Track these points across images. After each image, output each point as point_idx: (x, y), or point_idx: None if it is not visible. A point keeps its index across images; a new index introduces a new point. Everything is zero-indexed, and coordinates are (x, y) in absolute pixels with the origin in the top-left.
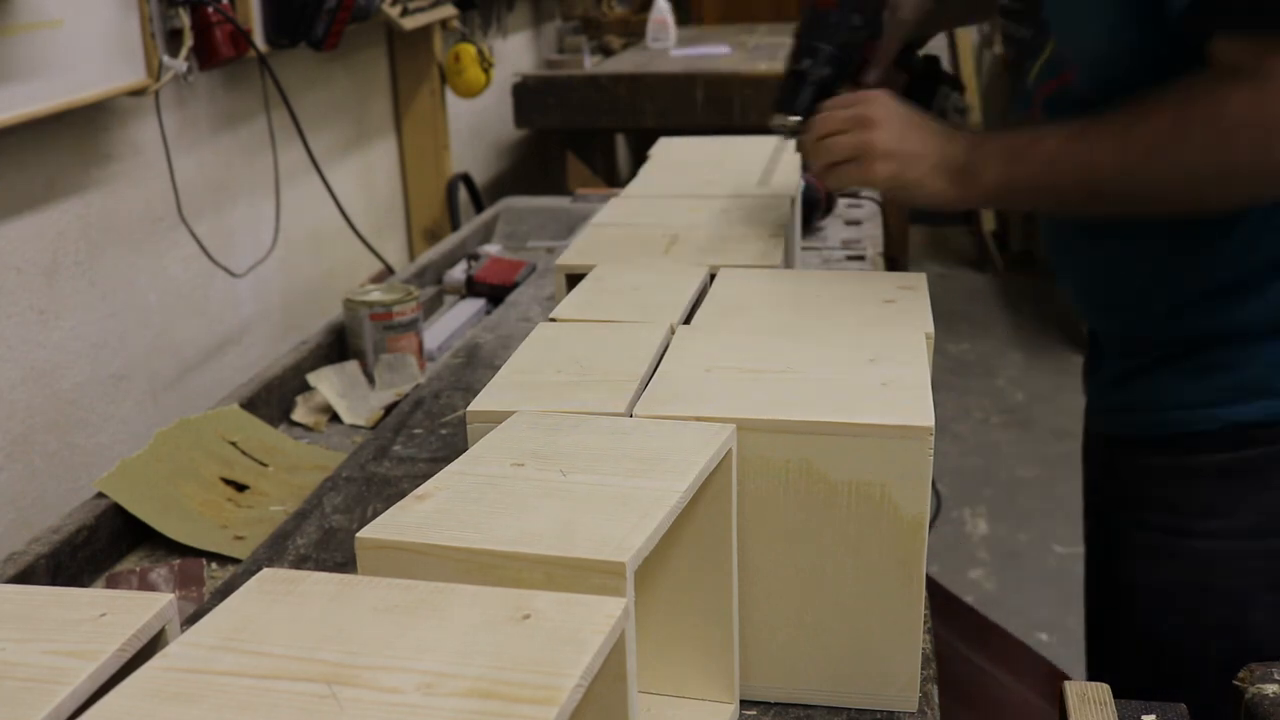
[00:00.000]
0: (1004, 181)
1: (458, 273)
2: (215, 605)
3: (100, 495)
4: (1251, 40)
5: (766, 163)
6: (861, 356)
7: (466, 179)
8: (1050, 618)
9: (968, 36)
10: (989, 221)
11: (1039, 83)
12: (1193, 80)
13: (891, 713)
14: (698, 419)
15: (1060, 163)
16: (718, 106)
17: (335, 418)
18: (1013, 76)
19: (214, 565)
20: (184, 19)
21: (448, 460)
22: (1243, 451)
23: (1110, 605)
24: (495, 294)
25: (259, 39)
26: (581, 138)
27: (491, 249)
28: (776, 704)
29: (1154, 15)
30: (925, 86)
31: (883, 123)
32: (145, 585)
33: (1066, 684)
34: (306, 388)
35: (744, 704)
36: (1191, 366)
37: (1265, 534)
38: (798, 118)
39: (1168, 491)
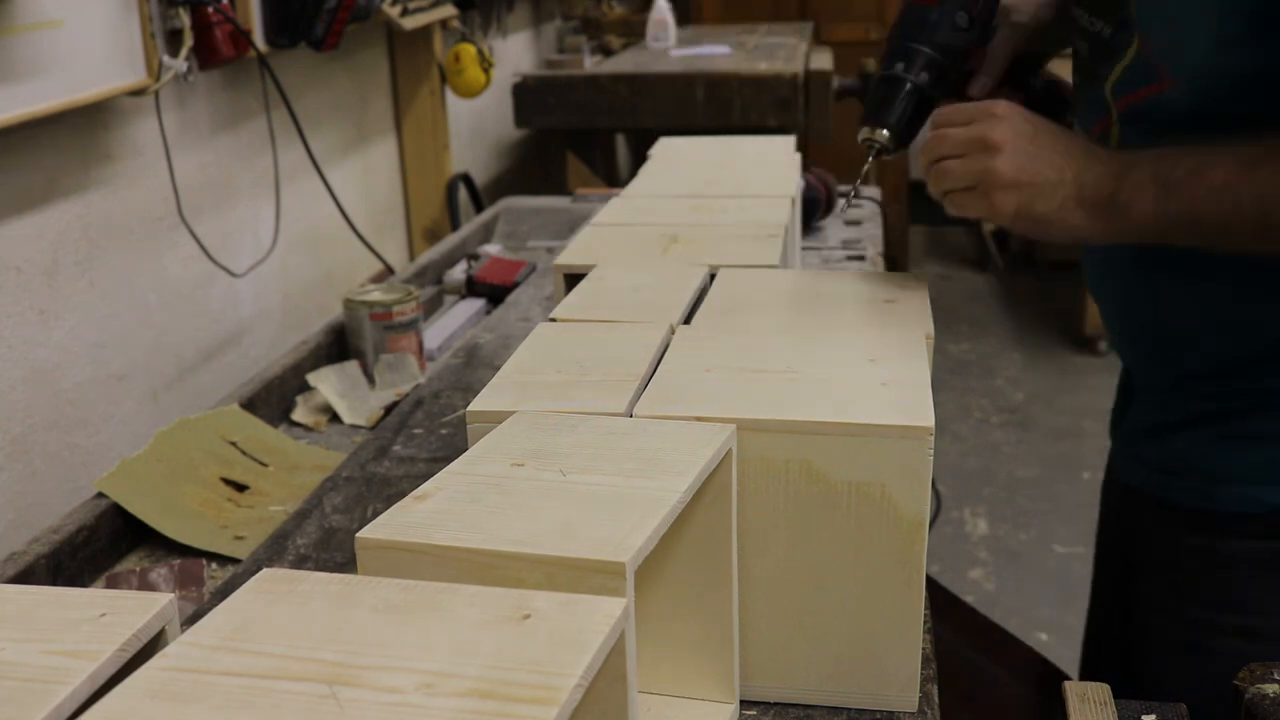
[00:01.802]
0: (1161, 215)
1: (458, 273)
2: (215, 605)
3: (100, 495)
4: None
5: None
6: (861, 356)
7: (466, 179)
8: (1050, 617)
9: None
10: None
11: (1121, 92)
12: None
13: (891, 713)
14: (698, 419)
15: (1234, 194)
16: (718, 106)
17: (335, 418)
18: (1080, 77)
19: (214, 565)
20: (184, 19)
21: (448, 460)
22: None
23: (1115, 663)
24: (495, 294)
25: (259, 39)
26: (581, 138)
27: (491, 249)
28: (776, 704)
29: (1277, 30)
30: (1045, 114)
31: (1007, 145)
32: (145, 585)
33: (1066, 684)
34: (306, 388)
35: (744, 704)
36: (1233, 433)
37: None
38: (886, 132)
39: (1197, 576)
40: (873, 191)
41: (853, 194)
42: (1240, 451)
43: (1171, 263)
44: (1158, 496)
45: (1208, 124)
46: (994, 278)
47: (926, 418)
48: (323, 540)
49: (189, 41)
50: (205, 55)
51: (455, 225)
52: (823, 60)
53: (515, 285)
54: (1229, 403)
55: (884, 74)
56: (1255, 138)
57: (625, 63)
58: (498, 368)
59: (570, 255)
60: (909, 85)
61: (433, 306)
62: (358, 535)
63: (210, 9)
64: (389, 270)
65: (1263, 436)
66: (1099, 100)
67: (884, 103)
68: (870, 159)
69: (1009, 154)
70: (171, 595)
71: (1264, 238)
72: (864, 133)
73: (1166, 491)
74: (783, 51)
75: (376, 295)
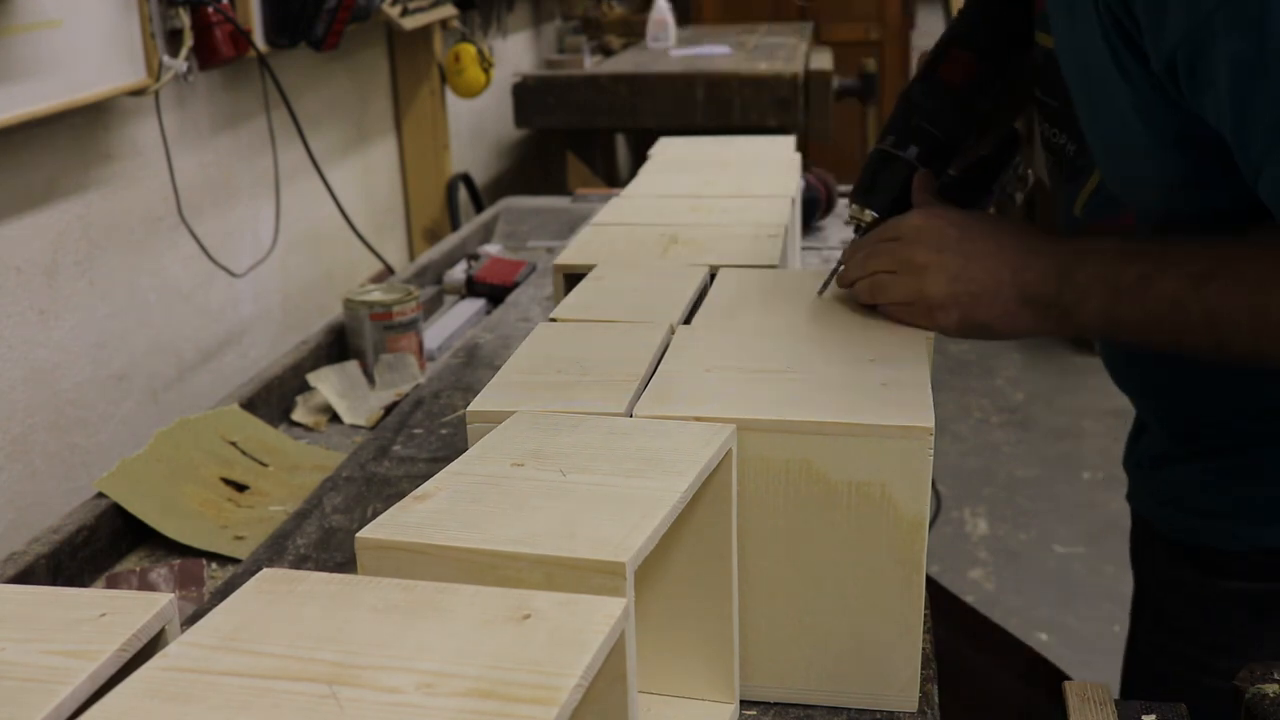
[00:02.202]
0: (1109, 319)
1: (458, 273)
2: (215, 605)
3: (100, 495)
4: None
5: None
6: (861, 356)
7: (466, 179)
8: (1050, 617)
9: None
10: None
11: (1091, 217)
12: None
13: (891, 713)
14: (698, 419)
15: (1184, 310)
16: (718, 106)
17: (335, 418)
18: (1053, 182)
19: (214, 565)
20: (184, 19)
21: (448, 460)
22: (1277, 584)
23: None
24: (495, 294)
25: (259, 39)
26: (581, 138)
27: (491, 249)
28: (776, 704)
29: (1220, 176)
30: (1001, 158)
31: (933, 264)
32: (145, 585)
33: (1066, 684)
34: (306, 388)
35: (743, 704)
36: (1226, 470)
37: None
38: (873, 213)
39: (1190, 613)
40: None
41: (857, 225)
42: (1232, 489)
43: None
44: (1157, 528)
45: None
46: None
47: (927, 418)
48: (323, 540)
49: (189, 41)
50: (205, 55)
51: (455, 225)
52: (823, 60)
53: (515, 285)
54: (1223, 440)
55: (877, 148)
56: (1208, 240)
57: (625, 63)
58: (498, 368)
59: (570, 255)
60: (900, 163)
61: (433, 306)
62: (357, 535)
63: (210, 9)
64: (389, 270)
65: (1258, 474)
66: (1071, 217)
67: (874, 182)
68: (856, 233)
69: (937, 271)
70: (171, 595)
71: (1217, 352)
72: (853, 210)
73: (1164, 524)
74: (783, 51)
75: (376, 295)
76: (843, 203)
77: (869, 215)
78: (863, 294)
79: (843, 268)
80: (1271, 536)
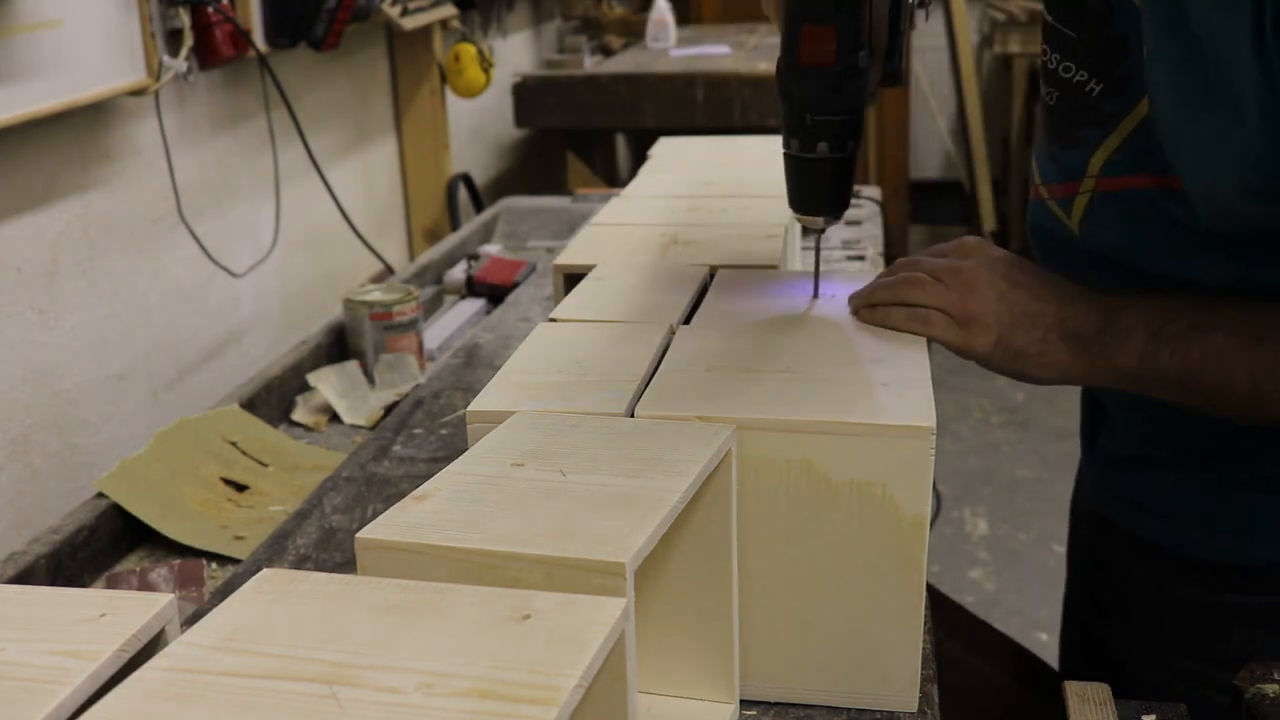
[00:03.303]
0: (1148, 366)
1: (458, 273)
2: (215, 605)
3: (100, 495)
4: None
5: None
6: (862, 357)
7: (466, 179)
8: (1050, 618)
9: (967, 35)
10: (989, 222)
11: (1112, 170)
12: None
13: (892, 713)
14: (698, 419)
15: (1230, 366)
16: (718, 106)
17: (335, 418)
18: (1051, 119)
19: (214, 565)
20: (184, 19)
21: (448, 460)
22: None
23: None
24: (495, 294)
25: (259, 39)
26: (581, 138)
27: (491, 249)
28: (776, 704)
29: None
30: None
31: (980, 282)
32: (145, 585)
33: (1066, 684)
34: (306, 388)
35: (743, 704)
36: (1222, 478)
37: None
38: (821, 220)
39: (1187, 627)
40: (873, 191)
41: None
42: (1229, 497)
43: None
44: (1135, 534)
45: (1211, 241)
46: None
47: (928, 418)
48: (323, 540)
49: (189, 41)
50: (205, 55)
51: (455, 225)
52: None
53: (515, 285)
54: (1217, 445)
55: (787, 154)
56: (1259, 301)
57: (625, 63)
58: (498, 368)
59: (570, 255)
60: (815, 164)
61: (433, 306)
62: (357, 536)
63: (210, 9)
64: (389, 270)
65: (1256, 483)
66: (1074, 164)
67: (803, 189)
68: (816, 236)
69: (986, 289)
70: (171, 595)
71: (1252, 414)
72: (800, 219)
73: (1145, 531)
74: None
75: (376, 295)
76: None
77: (819, 221)
78: (900, 296)
79: (880, 281)
80: (1268, 548)
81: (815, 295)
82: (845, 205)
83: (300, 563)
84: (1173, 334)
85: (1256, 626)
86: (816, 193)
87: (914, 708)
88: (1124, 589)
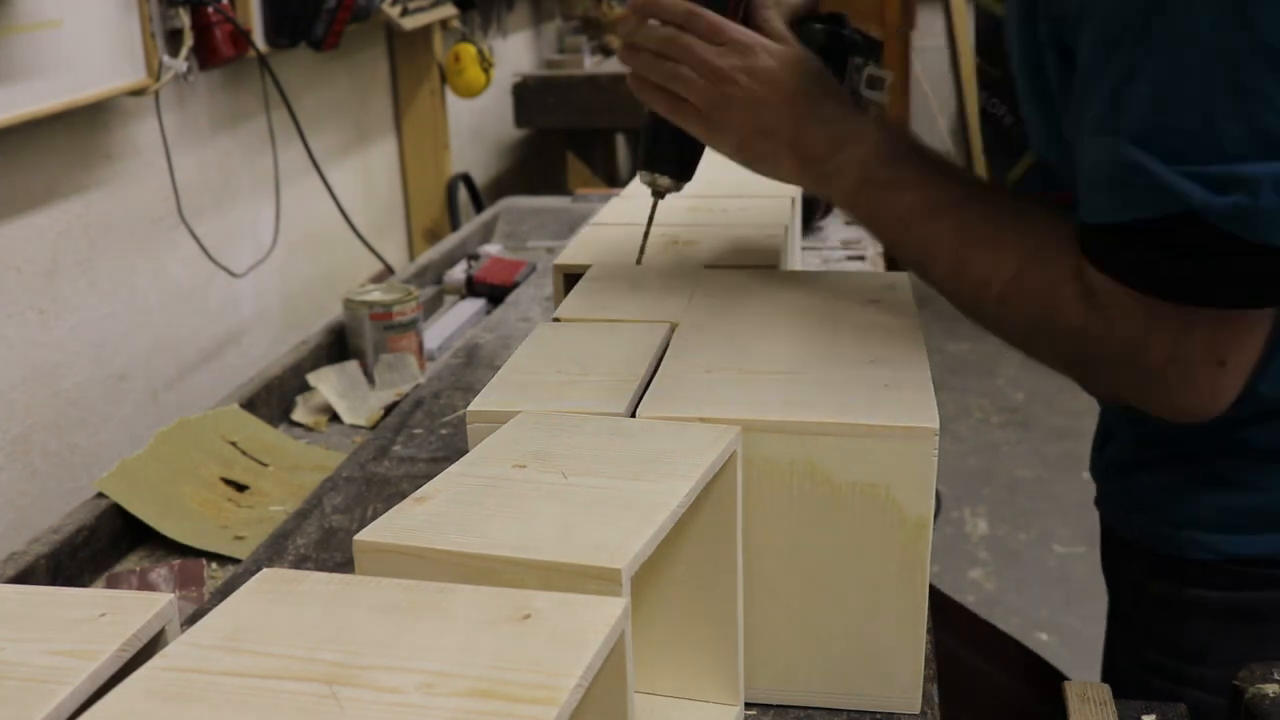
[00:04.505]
0: (849, 202)
1: (458, 273)
2: (215, 605)
3: (100, 495)
4: (1118, 284)
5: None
6: (862, 358)
7: (466, 179)
8: (1050, 617)
9: (967, 35)
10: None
11: (1027, 189)
12: (1062, 257)
13: (893, 714)
14: (702, 420)
15: (905, 229)
16: None
17: (335, 418)
18: (989, 155)
19: (214, 565)
20: (184, 19)
21: (448, 460)
22: (1243, 593)
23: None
24: (495, 294)
25: (259, 39)
26: (581, 138)
27: (491, 249)
28: (778, 705)
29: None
30: (830, 62)
31: (737, 89)
32: (145, 585)
33: (1066, 684)
34: (306, 388)
35: (745, 705)
36: (1194, 477)
37: None
38: (668, 179)
39: (1161, 622)
40: None
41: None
42: (1200, 496)
43: None
44: (1123, 535)
45: None
46: None
47: (931, 419)
48: (323, 540)
49: (189, 41)
50: (205, 55)
51: (455, 225)
52: None
53: (515, 285)
54: (1191, 447)
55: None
56: (978, 187)
57: None
58: (498, 368)
59: (570, 255)
60: (661, 186)
61: (433, 306)
62: (355, 538)
63: (210, 9)
64: (389, 270)
65: (1226, 482)
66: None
67: (651, 146)
68: (655, 200)
69: (741, 95)
70: (171, 595)
71: (918, 273)
72: (643, 177)
73: (1131, 530)
74: None
75: (376, 295)
76: None
77: (663, 181)
78: (652, 71)
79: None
80: (1246, 545)
81: (639, 262)
82: (689, 176)
83: (300, 563)
84: (877, 179)
85: (1216, 619)
86: (652, 150)
87: (917, 709)
88: (1116, 586)
